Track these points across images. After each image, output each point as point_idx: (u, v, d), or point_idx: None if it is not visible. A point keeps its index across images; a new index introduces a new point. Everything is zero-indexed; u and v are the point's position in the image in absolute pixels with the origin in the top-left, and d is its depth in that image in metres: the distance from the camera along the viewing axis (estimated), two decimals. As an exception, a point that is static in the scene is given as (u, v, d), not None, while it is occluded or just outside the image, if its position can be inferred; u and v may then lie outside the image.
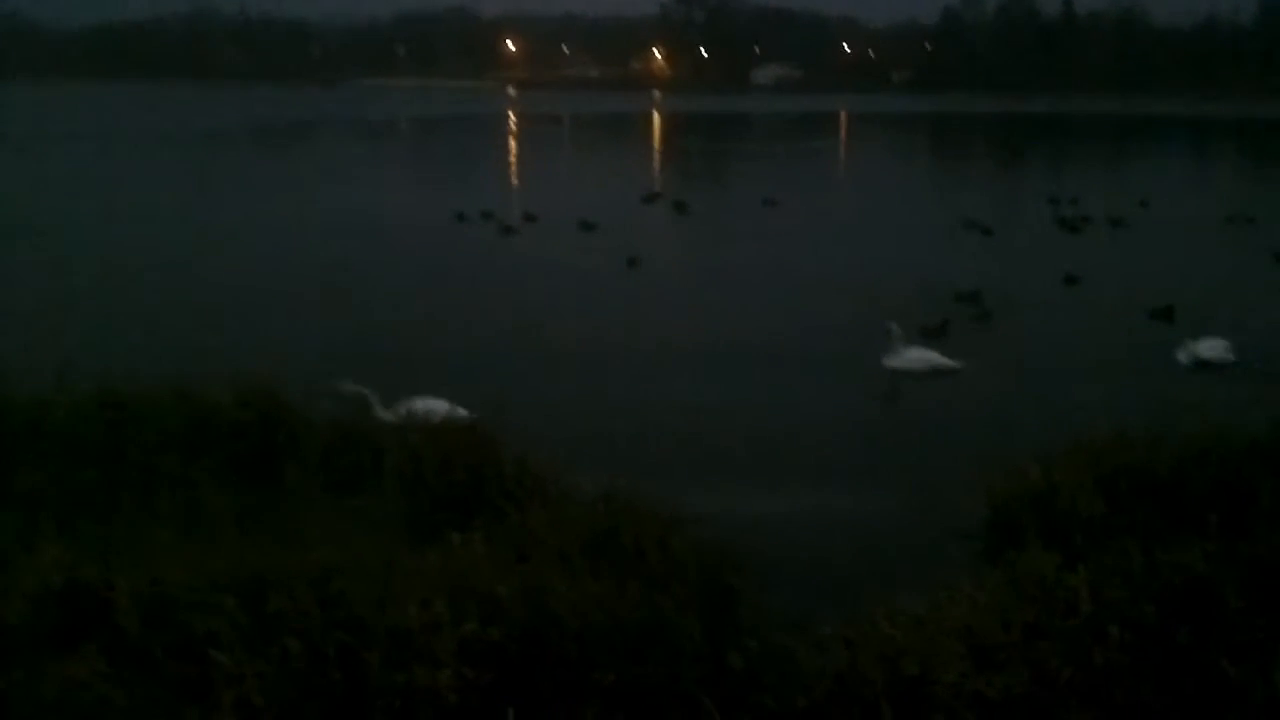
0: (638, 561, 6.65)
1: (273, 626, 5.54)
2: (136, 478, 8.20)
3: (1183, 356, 14.96)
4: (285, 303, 19.29)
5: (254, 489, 8.27)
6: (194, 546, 6.59)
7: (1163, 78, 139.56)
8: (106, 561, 6.30)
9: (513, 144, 67.46)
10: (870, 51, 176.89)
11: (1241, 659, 5.52)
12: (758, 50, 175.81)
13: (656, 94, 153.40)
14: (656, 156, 60.11)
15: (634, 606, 5.79)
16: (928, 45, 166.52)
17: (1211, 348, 15.02)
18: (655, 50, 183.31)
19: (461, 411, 10.85)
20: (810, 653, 5.63)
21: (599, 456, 9.58)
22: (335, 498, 8.26)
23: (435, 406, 10.78)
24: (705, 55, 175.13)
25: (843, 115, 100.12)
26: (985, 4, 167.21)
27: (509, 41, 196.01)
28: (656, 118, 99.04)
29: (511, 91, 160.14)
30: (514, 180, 45.19)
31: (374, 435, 9.39)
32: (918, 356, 14.82)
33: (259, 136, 68.53)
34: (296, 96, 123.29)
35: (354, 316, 18.11)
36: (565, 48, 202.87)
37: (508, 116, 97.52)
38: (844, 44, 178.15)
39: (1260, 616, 6.01)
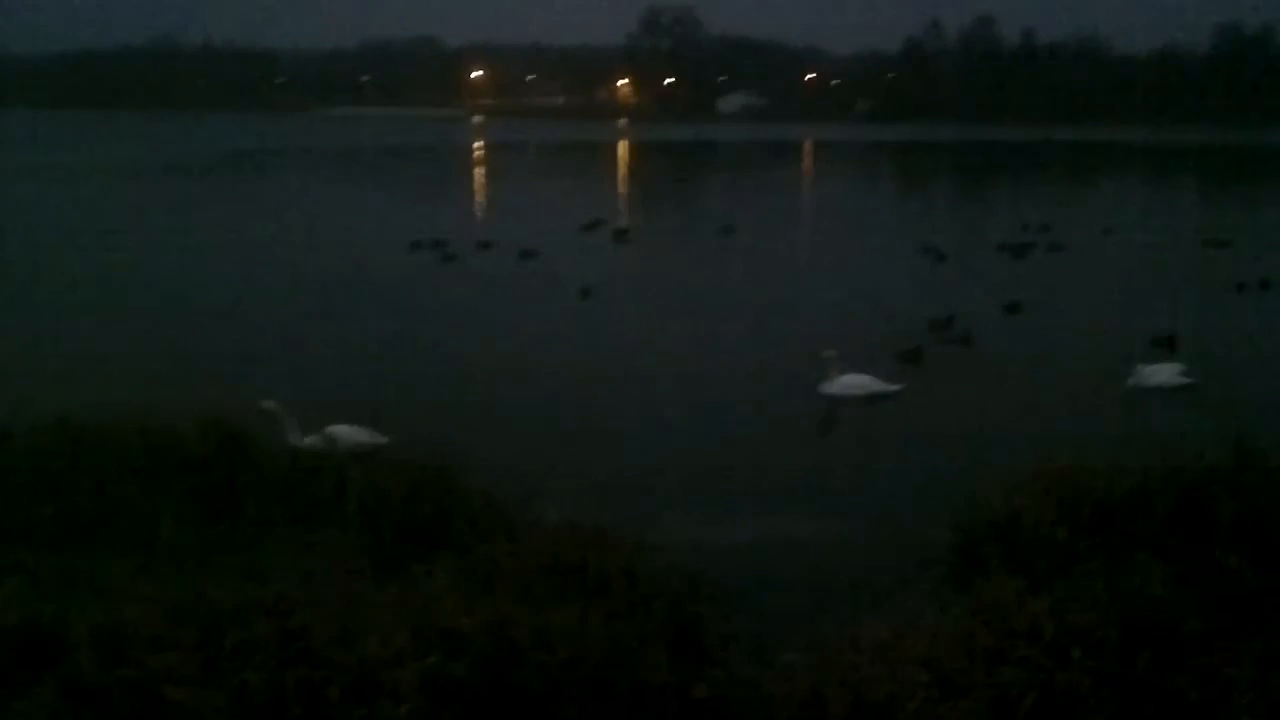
0: (603, 592, 6.61)
1: (231, 661, 5.46)
2: (95, 511, 8.09)
3: (1135, 381, 15.12)
4: (221, 330, 19.34)
5: (214, 522, 8.17)
6: (152, 581, 6.50)
7: (1122, 106, 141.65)
8: (63, 597, 6.20)
9: (476, 172, 67.45)
10: (834, 81, 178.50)
11: (1202, 683, 5.56)
12: (723, 79, 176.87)
13: (623, 122, 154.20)
14: (616, 185, 60.19)
15: (599, 638, 5.76)
16: (891, 75, 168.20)
17: (1163, 372, 15.21)
18: (622, 79, 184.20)
19: (380, 439, 10.88)
20: (775, 681, 5.62)
21: (540, 489, 9.45)
22: (297, 530, 8.17)
23: (350, 434, 10.78)
24: (671, 84, 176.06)
25: (806, 144, 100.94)
26: (947, 34, 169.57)
27: (476, 70, 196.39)
28: (622, 146, 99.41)
29: (478, 120, 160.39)
30: (474, 208, 45.17)
31: (337, 467, 9.31)
32: (854, 382, 14.93)
33: (221, 165, 68.17)
34: (262, 125, 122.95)
35: (287, 344, 18.19)
36: (532, 76, 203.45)
37: (473, 145, 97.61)
38: (808, 73, 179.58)
39: (1220, 640, 6.06)
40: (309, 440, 10.81)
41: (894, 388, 14.98)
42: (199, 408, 9.94)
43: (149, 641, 5.62)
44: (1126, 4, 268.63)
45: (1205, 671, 5.65)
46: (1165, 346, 17.34)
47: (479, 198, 50.29)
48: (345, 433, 10.68)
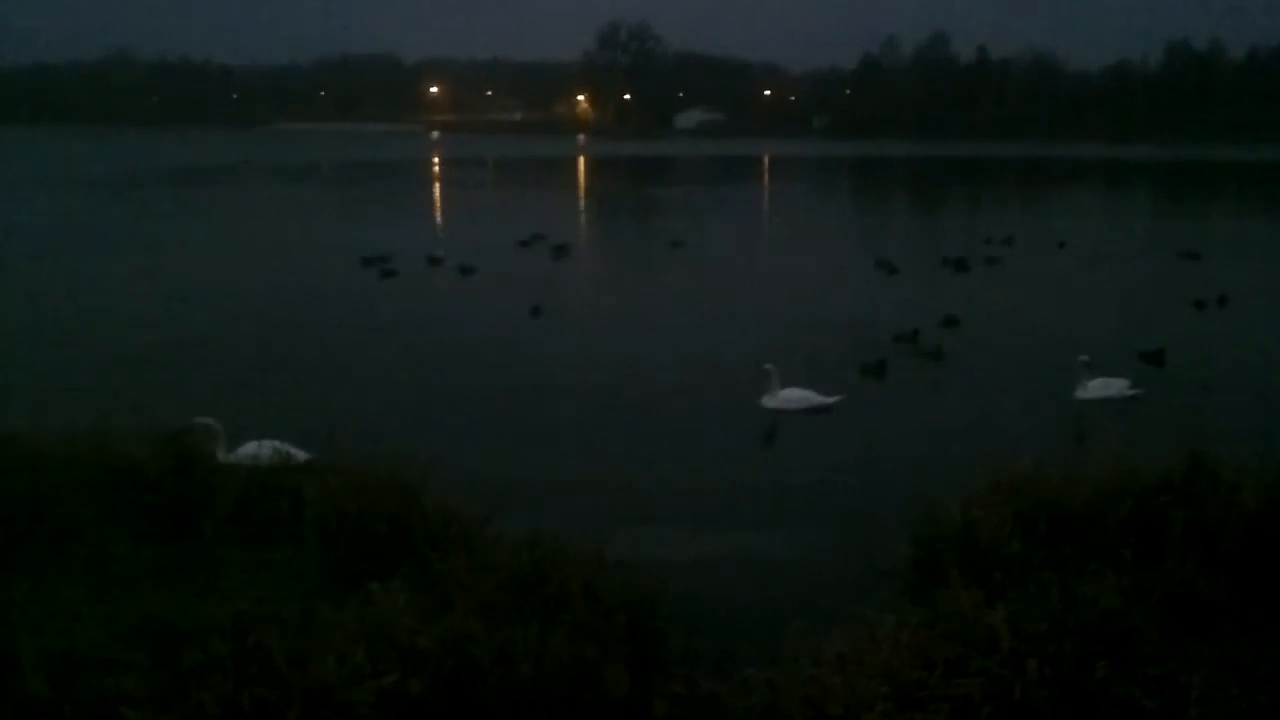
0: (563, 607, 6.59)
1: (187, 682, 5.40)
2: (48, 532, 7.96)
3: (1081, 393, 15.33)
4: (157, 347, 19.09)
5: (170, 542, 8.07)
6: (106, 602, 6.41)
7: (1075, 122, 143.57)
8: (14, 619, 6.10)
9: (430, 188, 67.26)
10: (792, 97, 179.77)
11: (1157, 690, 5.62)
12: (681, 95, 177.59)
13: (581, 138, 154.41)
14: (568, 200, 60.16)
15: (559, 654, 5.74)
16: (847, 91, 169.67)
17: (1109, 385, 15.44)
18: (580, 94, 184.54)
19: (300, 454, 10.85)
20: (735, 695, 5.62)
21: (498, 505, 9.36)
22: (253, 549, 8.09)
23: (273, 449, 10.75)
24: (630, 100, 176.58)
25: (764, 159, 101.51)
26: (903, 51, 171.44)
27: (434, 86, 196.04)
28: (579, 162, 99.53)
29: (435, 135, 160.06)
30: (427, 224, 44.96)
31: (292, 484, 9.22)
32: (795, 396, 15.09)
33: (172, 180, 67.57)
34: (216, 140, 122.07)
35: (224, 361, 18.04)
36: (490, 92, 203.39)
37: (430, 161, 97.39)
38: (766, 89, 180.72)
39: (1174, 648, 6.14)
40: (232, 456, 10.87)
41: (833, 400, 15.14)
42: (133, 425, 9.86)
43: (103, 663, 5.54)
44: (1078, 21, 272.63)
45: (1160, 679, 5.72)
46: (1153, 362, 17.53)
47: (432, 213, 50.09)
48: (266, 448, 10.63)
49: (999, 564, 7.45)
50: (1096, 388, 15.37)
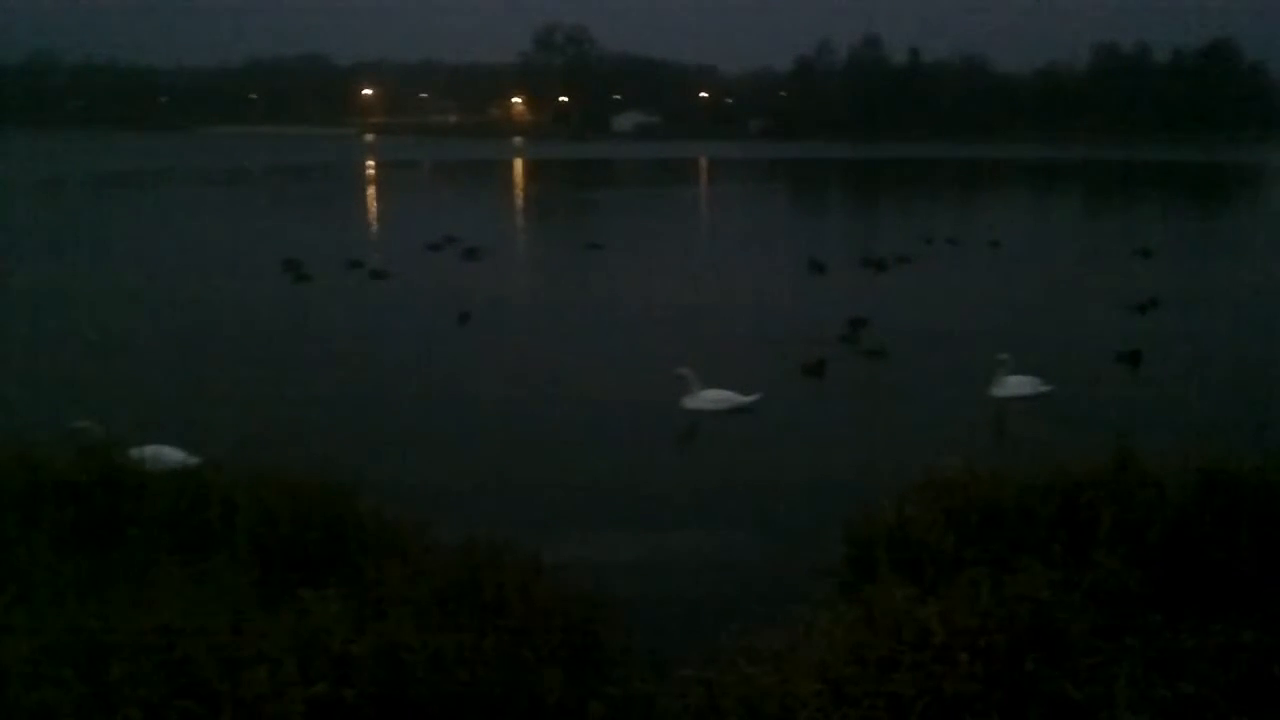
0: (499, 612, 6.56)
1: (114, 696, 5.29)
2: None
3: (997, 391, 15.64)
4: (56, 353, 18.97)
5: (97, 553, 7.90)
6: (31, 615, 6.26)
7: (1006, 123, 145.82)
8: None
9: (362, 192, 66.62)
10: (728, 99, 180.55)
11: (1085, 682, 5.71)
12: (618, 97, 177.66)
13: (517, 140, 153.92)
14: (496, 203, 59.90)
15: (494, 660, 5.71)
16: (782, 93, 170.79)
17: (1022, 384, 15.76)
18: (516, 97, 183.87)
19: (193, 460, 10.73)
20: (671, 696, 5.62)
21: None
22: (183, 559, 7.94)
23: (166, 454, 10.62)
24: (566, 102, 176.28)
25: (699, 162, 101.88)
26: (837, 54, 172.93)
27: (367, 88, 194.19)
28: (513, 165, 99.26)
29: (369, 138, 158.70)
30: (350, 227, 44.45)
31: (224, 493, 9.06)
32: (715, 396, 15.23)
33: (95, 185, 66.38)
34: (143, 144, 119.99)
35: (126, 365, 18.08)
36: (424, 94, 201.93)
37: (362, 164, 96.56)
38: (702, 91, 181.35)
39: (1102, 640, 6.24)
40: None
41: (752, 400, 15.28)
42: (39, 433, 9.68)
43: (29, 677, 5.42)
44: (1009, 24, 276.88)
45: (1089, 671, 5.81)
46: (1129, 362, 17.84)
47: (358, 217, 49.58)
48: (153, 453, 10.46)
49: (931, 560, 7.54)
50: (1012, 385, 15.69)
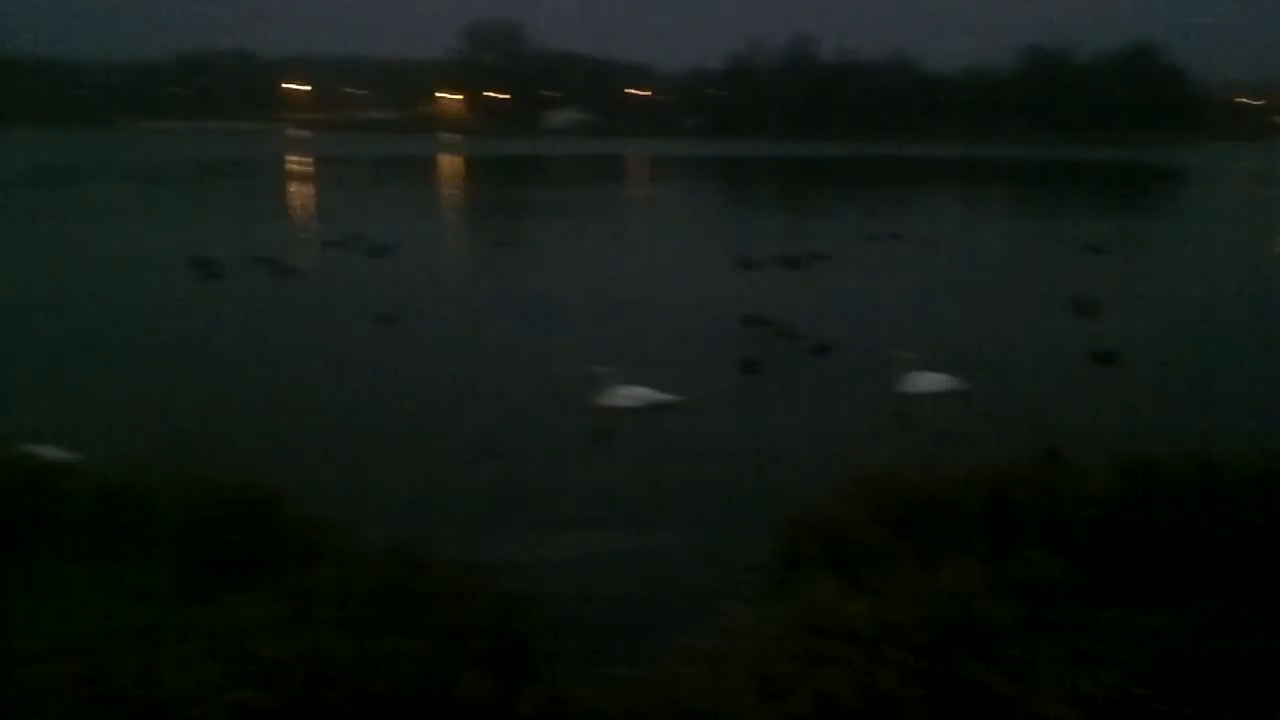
0: (428, 615, 6.46)
1: (23, 707, 5.12)
2: None
3: (908, 388, 15.86)
4: None
5: (6, 561, 7.66)
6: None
7: (934, 122, 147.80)
8: None
9: (284, 188, 65.72)
10: (662, 97, 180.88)
11: (1011, 675, 5.76)
12: (551, 94, 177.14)
13: (449, 137, 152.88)
14: (418, 201, 59.39)
15: (421, 662, 5.61)
16: (716, 91, 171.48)
17: (935, 381, 15.99)
18: (447, 93, 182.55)
19: (74, 458, 10.55)
20: (599, 697, 5.58)
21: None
22: (101, 565, 7.73)
23: (49, 455, 10.42)
24: (498, 98, 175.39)
25: (631, 159, 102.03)
26: (770, 52, 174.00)
27: (295, 83, 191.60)
28: (444, 162, 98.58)
29: (296, 134, 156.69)
30: (269, 224, 43.92)
31: (144, 496, 8.84)
32: (632, 394, 15.24)
33: (7, 182, 64.86)
34: (63, 140, 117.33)
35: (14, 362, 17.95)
36: (353, 90, 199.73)
37: (289, 160, 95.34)
38: (636, 89, 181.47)
39: (1028, 633, 6.31)
40: None
41: (669, 398, 15.33)
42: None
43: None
44: (937, 25, 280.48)
45: (1014, 663, 5.86)
46: (1104, 362, 18.03)
47: (278, 214, 48.95)
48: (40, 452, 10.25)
49: (860, 555, 7.56)
50: (921, 383, 15.90)
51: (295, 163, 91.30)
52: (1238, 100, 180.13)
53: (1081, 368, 17.67)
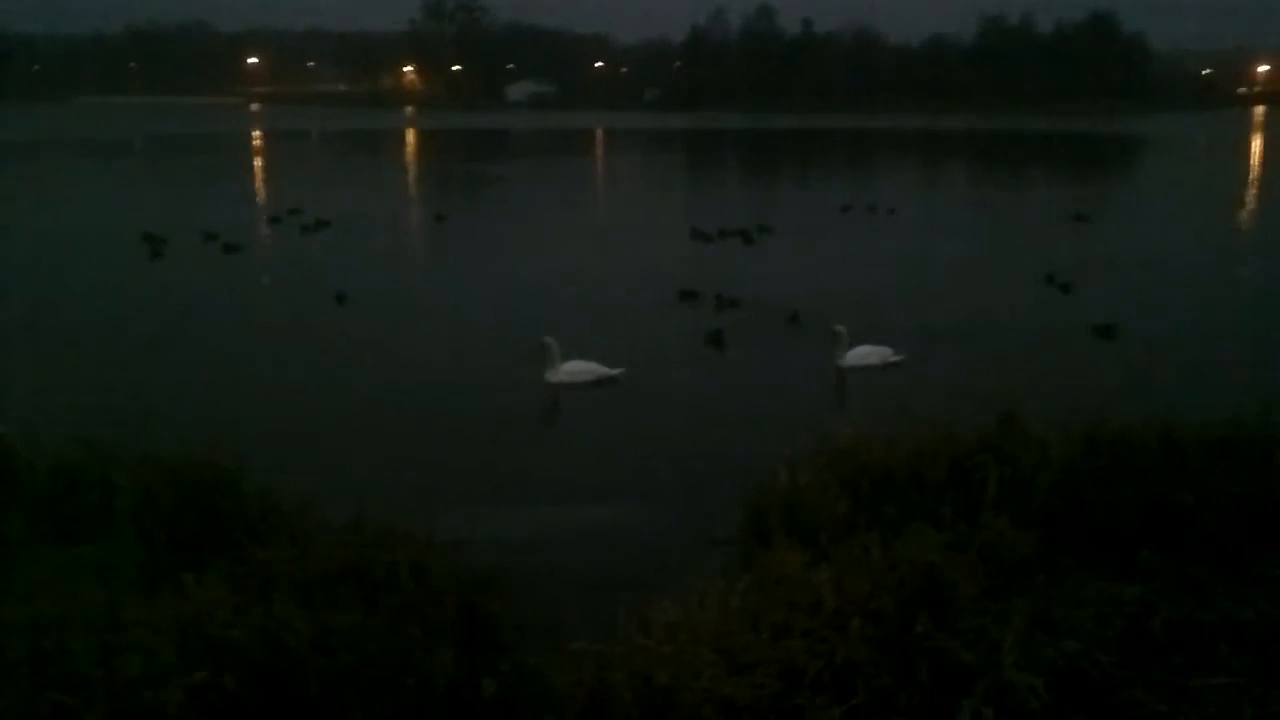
0: (390, 592, 6.43)
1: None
2: None
3: (842, 361, 15.87)
4: None
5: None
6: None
7: (896, 94, 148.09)
8: None
9: (240, 163, 64.81)
10: (623, 69, 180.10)
11: (973, 643, 5.80)
12: (511, 67, 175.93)
13: (409, 110, 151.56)
14: (372, 174, 58.67)
15: (383, 639, 5.58)
16: (677, 63, 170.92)
17: (873, 354, 16.00)
18: (407, 66, 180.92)
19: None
20: (564, 671, 5.56)
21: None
22: (60, 546, 7.62)
23: None
24: (459, 71, 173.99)
25: (594, 132, 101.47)
26: (731, 24, 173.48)
27: (252, 57, 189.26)
28: (401, 135, 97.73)
29: (255, 108, 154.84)
30: (220, 199, 43.10)
31: (102, 475, 8.72)
32: (579, 368, 15.18)
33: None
34: (16, 114, 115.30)
35: None
36: (312, 63, 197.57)
37: (246, 135, 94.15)
38: (597, 61, 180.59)
39: (990, 601, 6.35)
40: None
41: (616, 372, 15.29)
42: None
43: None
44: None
45: (976, 631, 5.90)
46: (1104, 335, 17.97)
47: (230, 189, 48.10)
48: None
49: (824, 526, 7.59)
50: (857, 355, 15.90)
51: (253, 137, 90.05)
52: (1202, 73, 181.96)
53: (1052, 338, 17.77)
